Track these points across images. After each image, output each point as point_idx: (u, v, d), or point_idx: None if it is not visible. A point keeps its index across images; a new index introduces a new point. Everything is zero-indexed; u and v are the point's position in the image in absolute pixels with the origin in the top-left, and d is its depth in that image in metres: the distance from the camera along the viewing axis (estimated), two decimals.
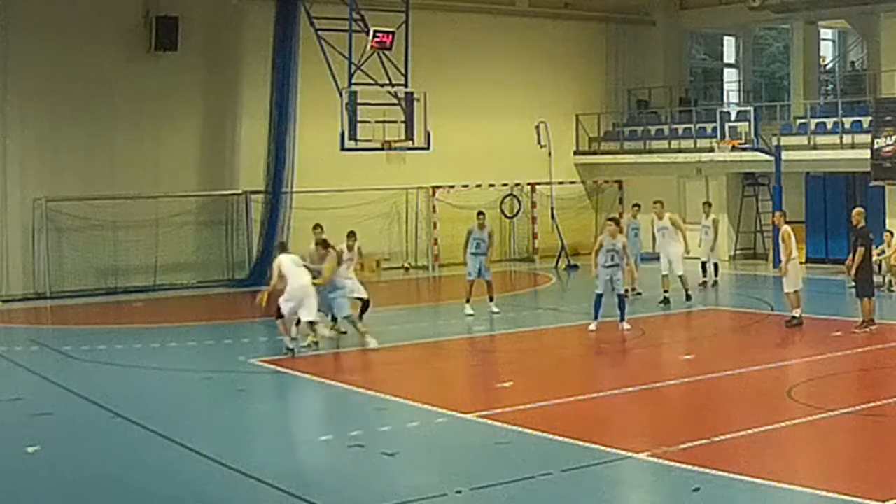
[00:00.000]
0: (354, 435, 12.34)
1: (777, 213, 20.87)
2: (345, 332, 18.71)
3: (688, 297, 22.54)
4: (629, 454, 11.21)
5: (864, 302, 18.53)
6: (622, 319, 19.14)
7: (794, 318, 18.98)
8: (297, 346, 17.33)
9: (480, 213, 22.15)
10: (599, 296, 19.15)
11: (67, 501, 10.68)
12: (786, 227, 19.32)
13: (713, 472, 10.48)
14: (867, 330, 18.24)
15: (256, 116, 28.08)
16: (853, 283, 19.03)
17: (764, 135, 28.63)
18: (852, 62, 34.42)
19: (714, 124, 29.43)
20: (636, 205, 25.40)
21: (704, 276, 25.45)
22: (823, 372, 15.51)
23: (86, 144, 26.55)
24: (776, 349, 17.90)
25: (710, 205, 26.83)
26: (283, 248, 18.20)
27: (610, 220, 20.14)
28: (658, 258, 23.36)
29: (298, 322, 17.17)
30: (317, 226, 19.17)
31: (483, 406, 13.54)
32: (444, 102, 27.51)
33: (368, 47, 24.45)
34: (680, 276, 22.62)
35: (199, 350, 18.64)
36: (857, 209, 19.33)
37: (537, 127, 30.87)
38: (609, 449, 11.41)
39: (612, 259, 18.94)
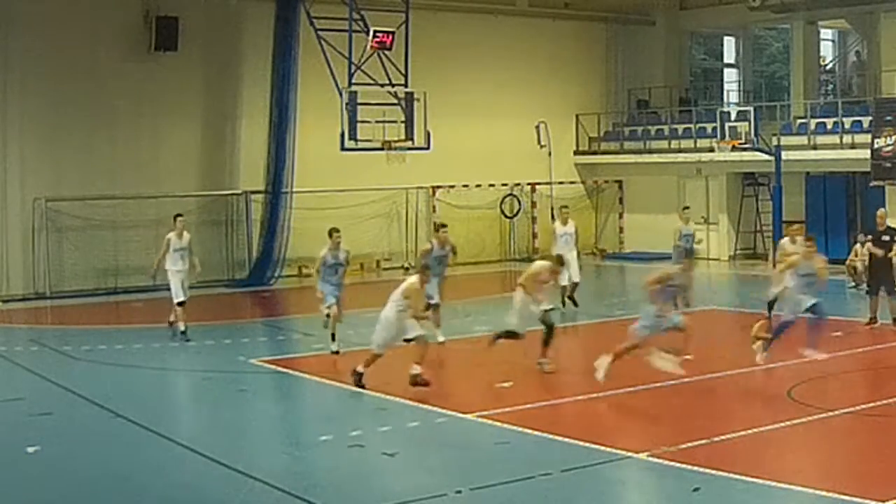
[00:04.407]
0: (354, 435, 12.35)
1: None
2: None
3: (574, 304, 21.87)
4: (629, 454, 11.21)
5: (872, 300, 18.70)
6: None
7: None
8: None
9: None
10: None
11: (67, 501, 10.67)
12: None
13: (713, 472, 10.48)
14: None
15: (256, 116, 28.09)
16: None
17: (764, 135, 28.63)
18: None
19: (714, 124, 29.44)
20: (686, 207, 23.61)
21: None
22: (823, 372, 15.49)
23: (86, 144, 26.54)
24: (776, 349, 17.85)
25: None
26: None
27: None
28: None
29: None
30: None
31: (483, 406, 13.54)
32: (444, 102, 27.53)
33: (368, 47, 24.46)
34: (575, 283, 21.78)
35: (198, 350, 18.62)
36: (882, 210, 19.57)
37: (537, 127, 30.88)
38: (609, 449, 11.41)
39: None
